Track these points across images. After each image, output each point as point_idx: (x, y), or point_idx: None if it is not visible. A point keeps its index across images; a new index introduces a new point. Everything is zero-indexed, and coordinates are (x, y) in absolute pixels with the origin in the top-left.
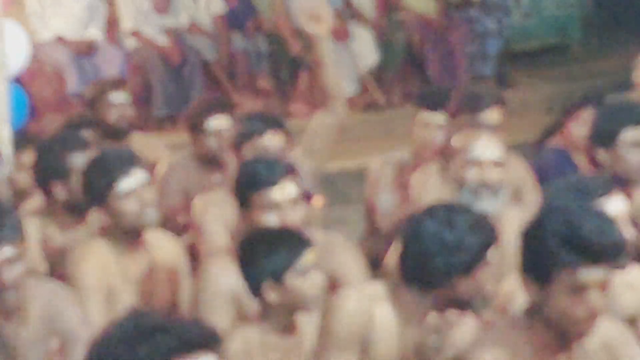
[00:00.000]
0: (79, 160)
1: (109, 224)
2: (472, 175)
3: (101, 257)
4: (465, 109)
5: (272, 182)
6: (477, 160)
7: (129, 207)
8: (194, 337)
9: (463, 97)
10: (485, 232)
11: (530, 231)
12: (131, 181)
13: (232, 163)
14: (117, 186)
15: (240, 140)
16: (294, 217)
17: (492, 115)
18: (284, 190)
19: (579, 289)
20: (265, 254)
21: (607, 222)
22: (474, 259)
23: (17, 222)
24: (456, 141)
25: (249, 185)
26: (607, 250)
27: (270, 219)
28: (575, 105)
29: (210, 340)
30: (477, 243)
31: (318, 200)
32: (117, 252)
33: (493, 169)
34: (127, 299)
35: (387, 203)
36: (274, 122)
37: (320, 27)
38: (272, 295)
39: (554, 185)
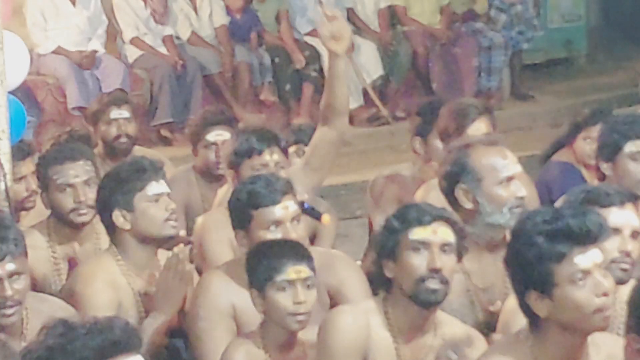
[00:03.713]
0: (56, 172)
1: (122, 238)
2: (508, 192)
3: (110, 274)
4: (453, 125)
5: (275, 200)
6: (511, 177)
7: (155, 211)
8: (117, 339)
9: (449, 114)
10: None
11: (515, 246)
12: (161, 187)
13: (229, 182)
14: (148, 188)
15: (238, 159)
16: (296, 233)
17: (480, 126)
18: (287, 208)
19: (583, 276)
20: (253, 264)
21: (582, 207)
22: None
23: (20, 236)
24: (476, 161)
25: (250, 203)
26: (593, 230)
27: (272, 237)
28: (585, 122)
29: (133, 341)
30: None
31: (326, 219)
32: (125, 267)
33: (520, 181)
34: (136, 315)
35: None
36: (271, 140)
37: (340, 46)
38: (258, 306)
39: (570, 193)
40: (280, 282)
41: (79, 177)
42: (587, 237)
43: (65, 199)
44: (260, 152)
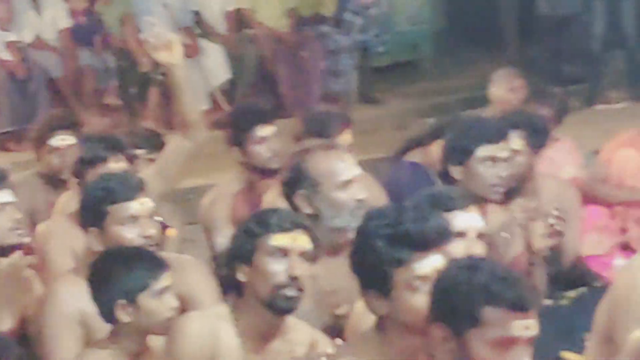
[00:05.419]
0: None
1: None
2: (348, 196)
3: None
4: (314, 136)
5: (131, 196)
6: (349, 180)
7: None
8: None
9: (309, 123)
10: None
11: (357, 246)
12: (5, 197)
13: (74, 190)
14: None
15: (83, 167)
16: (153, 230)
17: (342, 139)
18: (143, 204)
19: (421, 282)
20: (120, 273)
21: (425, 210)
22: None
23: None
24: (314, 167)
25: (106, 199)
26: (432, 236)
27: (129, 233)
28: (442, 128)
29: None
30: None
31: (172, 232)
32: None
33: (359, 184)
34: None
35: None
36: (115, 147)
37: (173, 56)
38: (124, 315)
39: (413, 197)
40: (158, 290)
41: None
42: (427, 243)
43: None
44: (104, 160)
